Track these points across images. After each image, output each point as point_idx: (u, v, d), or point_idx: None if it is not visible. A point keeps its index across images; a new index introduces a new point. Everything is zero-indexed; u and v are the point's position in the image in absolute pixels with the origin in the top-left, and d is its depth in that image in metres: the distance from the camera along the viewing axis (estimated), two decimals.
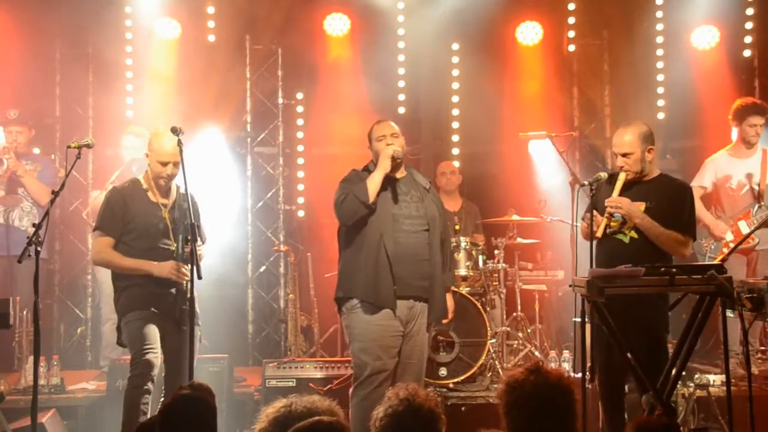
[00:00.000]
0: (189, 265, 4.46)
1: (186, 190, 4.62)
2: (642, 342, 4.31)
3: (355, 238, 4.83)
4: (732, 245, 6.00)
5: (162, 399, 4.70)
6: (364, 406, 4.52)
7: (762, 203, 6.22)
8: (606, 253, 4.57)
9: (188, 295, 4.36)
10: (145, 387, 4.61)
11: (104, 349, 6.64)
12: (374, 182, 4.75)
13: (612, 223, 4.62)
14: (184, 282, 4.66)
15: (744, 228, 6.17)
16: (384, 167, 4.77)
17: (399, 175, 4.94)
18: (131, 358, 4.70)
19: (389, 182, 4.85)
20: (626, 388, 4.60)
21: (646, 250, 4.50)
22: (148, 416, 4.46)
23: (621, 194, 4.64)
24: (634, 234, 4.59)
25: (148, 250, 4.73)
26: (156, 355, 4.66)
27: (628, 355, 4.05)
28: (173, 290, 4.74)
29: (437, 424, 2.86)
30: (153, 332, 4.68)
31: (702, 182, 6.35)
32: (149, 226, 4.75)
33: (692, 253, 5.13)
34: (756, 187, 6.25)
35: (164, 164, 4.76)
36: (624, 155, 4.64)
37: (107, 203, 4.81)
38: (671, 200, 4.61)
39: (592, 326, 4.26)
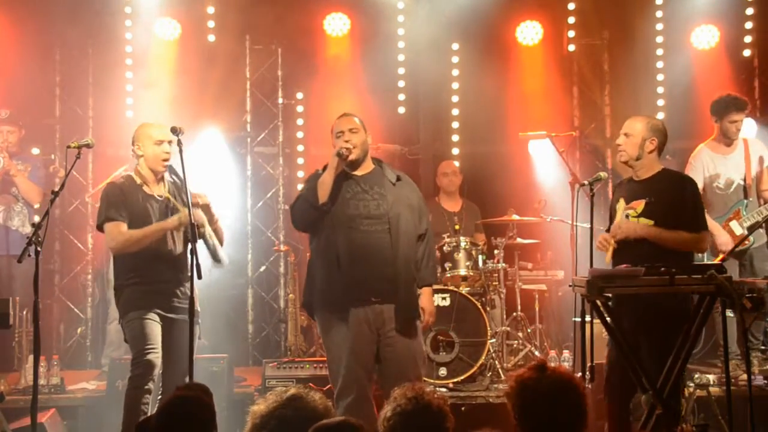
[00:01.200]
0: (190, 263, 4.36)
1: (187, 190, 4.60)
2: (656, 342, 4.30)
3: (314, 241, 4.73)
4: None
5: (159, 398, 4.70)
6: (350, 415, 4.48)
7: (749, 198, 6.09)
8: (622, 251, 4.50)
9: (189, 294, 4.35)
10: (146, 387, 4.60)
11: (107, 348, 6.64)
12: (324, 184, 4.57)
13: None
14: (185, 281, 4.67)
15: (737, 228, 6.01)
16: (332, 166, 4.59)
17: (362, 171, 4.73)
18: (132, 358, 4.69)
19: (347, 181, 4.67)
20: None
21: (660, 245, 4.43)
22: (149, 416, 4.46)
23: (624, 195, 4.64)
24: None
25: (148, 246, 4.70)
26: (157, 355, 4.65)
27: (629, 354, 4.05)
28: (175, 289, 4.74)
29: (446, 422, 2.87)
30: (154, 332, 4.66)
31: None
32: (147, 219, 4.71)
33: None
34: (742, 183, 6.11)
35: (160, 143, 4.73)
36: (625, 134, 4.63)
37: (106, 196, 4.75)
38: (672, 193, 4.55)
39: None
